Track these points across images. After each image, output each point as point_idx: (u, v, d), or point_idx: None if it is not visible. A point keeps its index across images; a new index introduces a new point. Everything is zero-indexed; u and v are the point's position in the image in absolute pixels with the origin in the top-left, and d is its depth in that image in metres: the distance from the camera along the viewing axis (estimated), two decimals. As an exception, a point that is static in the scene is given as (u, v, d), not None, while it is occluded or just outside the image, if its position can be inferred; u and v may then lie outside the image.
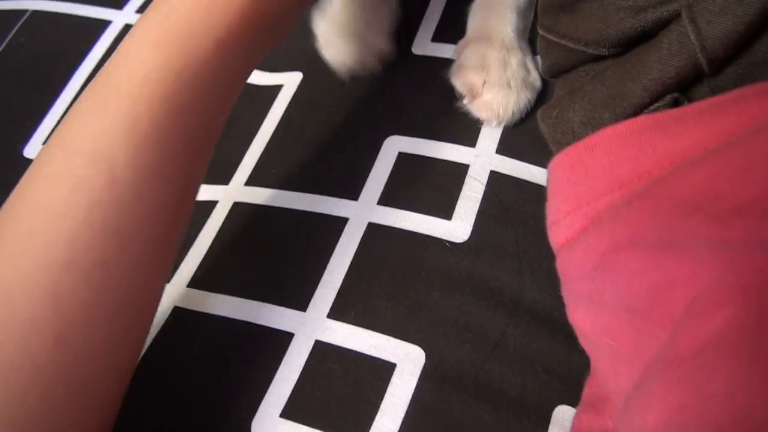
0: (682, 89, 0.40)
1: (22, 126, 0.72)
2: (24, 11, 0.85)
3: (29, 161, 0.68)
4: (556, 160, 0.45)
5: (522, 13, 0.66)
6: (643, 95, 0.40)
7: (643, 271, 0.33)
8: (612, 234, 0.37)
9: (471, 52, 0.63)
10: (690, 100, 0.40)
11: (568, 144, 0.44)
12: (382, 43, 0.66)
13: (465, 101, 0.61)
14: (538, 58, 0.61)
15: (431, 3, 0.73)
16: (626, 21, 0.41)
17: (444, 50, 0.68)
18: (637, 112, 0.40)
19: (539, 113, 0.51)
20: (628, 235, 0.36)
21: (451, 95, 0.63)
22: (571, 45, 0.46)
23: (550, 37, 0.48)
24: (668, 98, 0.40)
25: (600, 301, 0.37)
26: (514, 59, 0.61)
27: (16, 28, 0.83)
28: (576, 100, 0.45)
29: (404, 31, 0.70)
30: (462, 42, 0.65)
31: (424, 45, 0.69)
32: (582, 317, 0.40)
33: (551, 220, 0.45)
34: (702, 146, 0.35)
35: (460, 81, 0.62)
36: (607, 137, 0.40)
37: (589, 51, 0.44)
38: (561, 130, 0.46)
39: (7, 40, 0.82)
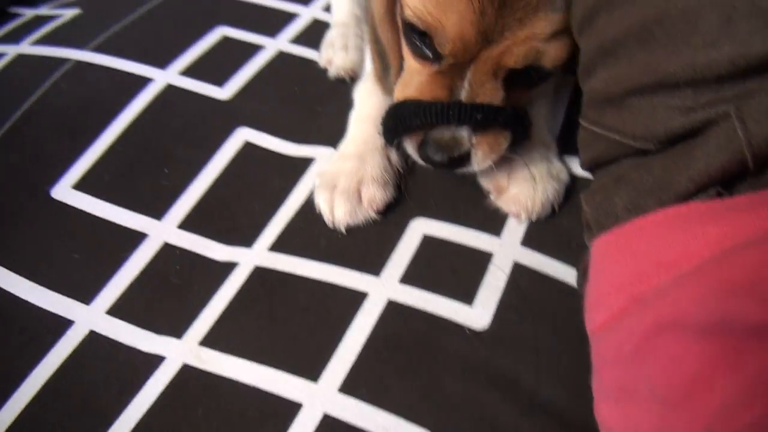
0: (725, 184, 0.40)
1: (53, 168, 0.73)
2: (68, 60, 0.87)
3: (55, 203, 0.69)
4: (601, 240, 0.45)
5: (551, 111, 0.68)
6: (689, 186, 0.41)
7: (683, 357, 0.33)
8: (656, 314, 0.37)
9: None
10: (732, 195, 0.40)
11: (611, 227, 0.44)
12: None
13: (492, 197, 0.62)
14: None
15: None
16: (675, 119, 0.43)
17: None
18: (680, 201, 0.41)
19: (583, 196, 0.51)
20: (673, 314, 0.35)
21: (477, 184, 0.64)
22: (617, 138, 0.47)
23: (595, 129, 0.49)
24: (712, 191, 0.40)
25: (632, 391, 0.36)
26: (538, 155, 0.63)
27: (59, 74, 0.85)
28: (621, 186, 0.46)
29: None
30: None
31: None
32: (609, 411, 0.39)
33: (590, 301, 0.45)
34: (755, 231, 0.36)
35: (485, 179, 0.63)
36: (655, 221, 0.41)
37: (636, 145, 0.45)
38: (605, 213, 0.47)
39: (49, 83, 0.84)
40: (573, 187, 0.64)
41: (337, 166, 0.66)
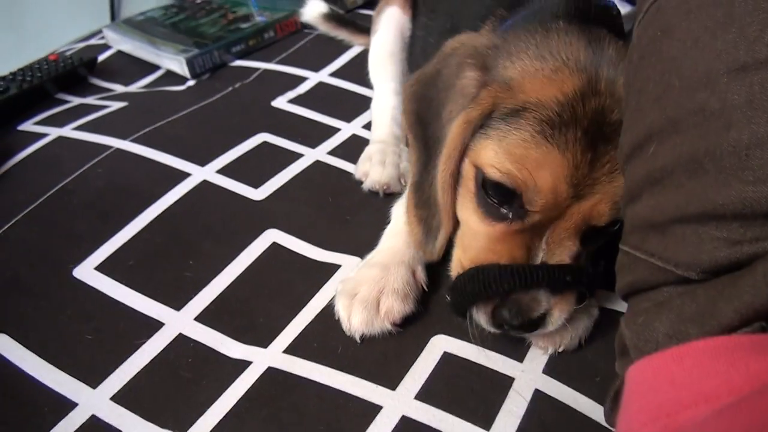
0: None
1: (79, 247, 0.73)
2: (109, 147, 0.89)
3: (76, 282, 0.69)
4: (639, 366, 0.44)
5: None
6: (734, 317, 0.40)
7: None
8: None
9: None
10: None
11: (650, 352, 0.43)
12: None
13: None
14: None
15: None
16: (721, 251, 0.42)
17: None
18: (724, 332, 0.40)
19: (623, 319, 0.50)
20: None
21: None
22: (659, 264, 0.46)
23: (636, 253, 0.49)
24: (756, 325, 0.39)
25: None
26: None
27: (98, 158, 0.87)
28: (663, 312, 0.45)
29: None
30: None
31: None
32: None
33: (622, 429, 0.43)
34: None
35: None
36: (697, 350, 0.40)
37: (679, 272, 0.44)
38: (645, 338, 0.45)
39: (87, 166, 0.86)
40: (600, 320, 0.63)
41: (361, 274, 0.65)
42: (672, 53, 0.47)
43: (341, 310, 0.63)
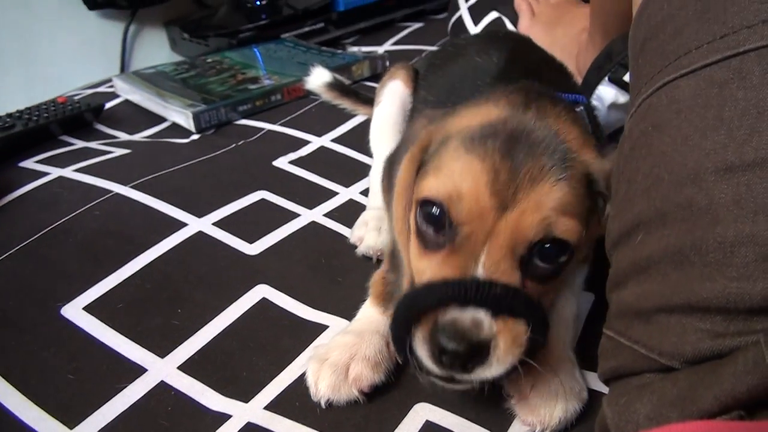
0: (749, 408, 0.40)
1: (69, 287, 0.74)
2: (109, 191, 0.90)
3: (63, 321, 0.69)
4: None
5: (573, 326, 0.68)
6: (713, 404, 0.40)
7: None
8: None
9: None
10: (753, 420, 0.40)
11: None
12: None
13: (513, 401, 0.61)
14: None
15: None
16: (704, 342, 0.43)
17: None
18: (704, 418, 0.40)
19: (605, 399, 0.50)
20: None
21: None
22: (643, 351, 0.47)
23: (621, 339, 0.50)
24: (735, 413, 0.40)
25: None
26: (564, 370, 0.62)
27: (97, 201, 0.88)
28: (645, 395, 0.45)
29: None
30: None
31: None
32: None
33: None
34: None
35: (510, 383, 0.61)
36: None
37: (662, 361, 0.45)
38: (626, 419, 0.45)
39: (85, 208, 0.86)
40: (593, 405, 0.63)
41: (335, 341, 0.65)
42: (662, 148, 0.49)
43: (310, 375, 0.62)
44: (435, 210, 0.58)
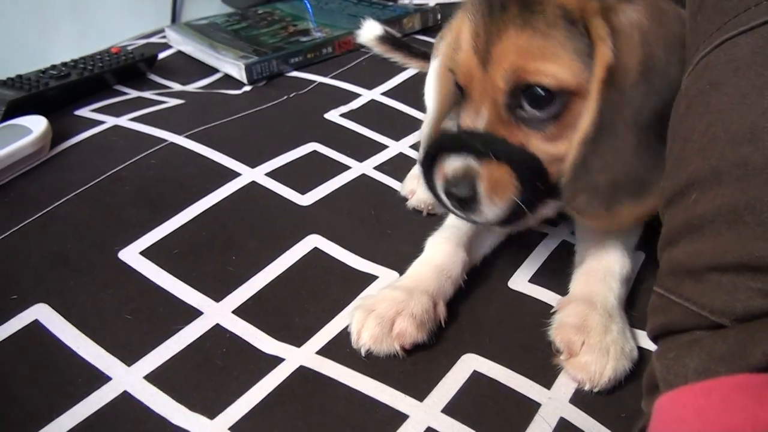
0: None
1: (126, 232, 0.76)
2: (163, 140, 0.92)
3: (120, 263, 0.71)
4: (666, 398, 0.44)
5: (625, 284, 0.68)
6: (762, 359, 0.40)
7: None
8: None
9: (573, 310, 0.64)
10: None
11: (679, 386, 0.43)
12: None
13: (562, 357, 0.61)
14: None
15: (537, 249, 0.77)
16: (755, 300, 0.43)
17: (539, 293, 0.71)
18: (752, 372, 0.41)
19: (655, 353, 0.50)
20: None
21: (536, 334, 0.64)
22: (694, 309, 0.47)
23: (671, 297, 0.49)
24: None
25: None
26: (615, 327, 0.62)
27: (152, 150, 0.90)
28: (694, 350, 0.45)
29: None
30: (564, 299, 0.67)
31: (521, 282, 0.72)
32: None
33: None
34: None
35: (560, 337, 0.62)
36: (725, 385, 0.40)
37: (712, 318, 0.45)
38: (675, 372, 0.46)
39: (140, 156, 0.88)
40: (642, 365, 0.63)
41: (383, 294, 0.65)
42: (719, 106, 0.48)
43: (354, 323, 0.63)
44: (454, 78, 0.68)
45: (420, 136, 0.87)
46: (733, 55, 0.48)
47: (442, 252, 0.70)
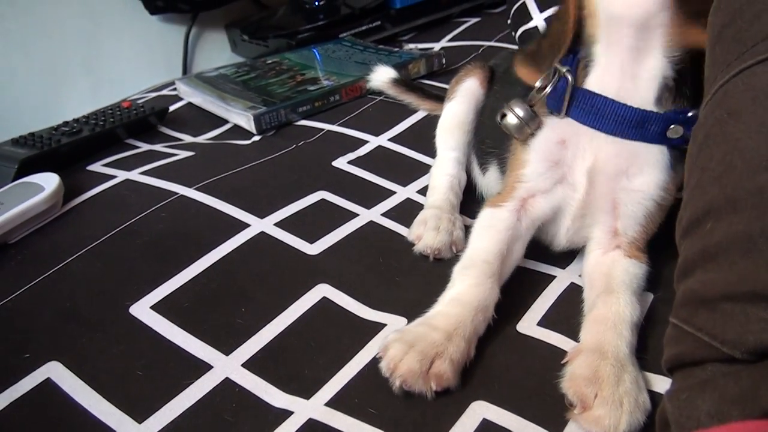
0: None
1: (137, 286, 0.76)
2: (174, 193, 0.93)
3: (132, 318, 0.72)
4: None
5: (635, 331, 0.67)
6: None
7: None
8: None
9: (584, 362, 0.63)
10: None
11: (691, 430, 0.43)
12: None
13: (576, 411, 0.60)
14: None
15: (545, 292, 0.76)
16: (767, 333, 0.43)
17: (549, 336, 0.70)
18: (766, 417, 0.40)
19: (666, 394, 0.50)
20: None
21: (546, 379, 0.64)
22: (706, 339, 0.46)
23: (685, 327, 0.49)
24: None
25: None
26: (628, 377, 0.61)
27: (163, 203, 0.91)
28: (707, 391, 0.45)
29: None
30: (575, 349, 0.66)
31: (530, 326, 0.72)
32: None
33: None
34: None
35: (572, 390, 0.61)
36: (738, 430, 0.40)
37: (724, 350, 0.45)
38: (687, 415, 0.45)
39: (151, 210, 0.89)
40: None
41: (423, 330, 0.65)
42: (736, 135, 0.48)
43: (392, 353, 0.62)
44: None
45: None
46: (751, 84, 0.48)
47: (479, 291, 0.70)
